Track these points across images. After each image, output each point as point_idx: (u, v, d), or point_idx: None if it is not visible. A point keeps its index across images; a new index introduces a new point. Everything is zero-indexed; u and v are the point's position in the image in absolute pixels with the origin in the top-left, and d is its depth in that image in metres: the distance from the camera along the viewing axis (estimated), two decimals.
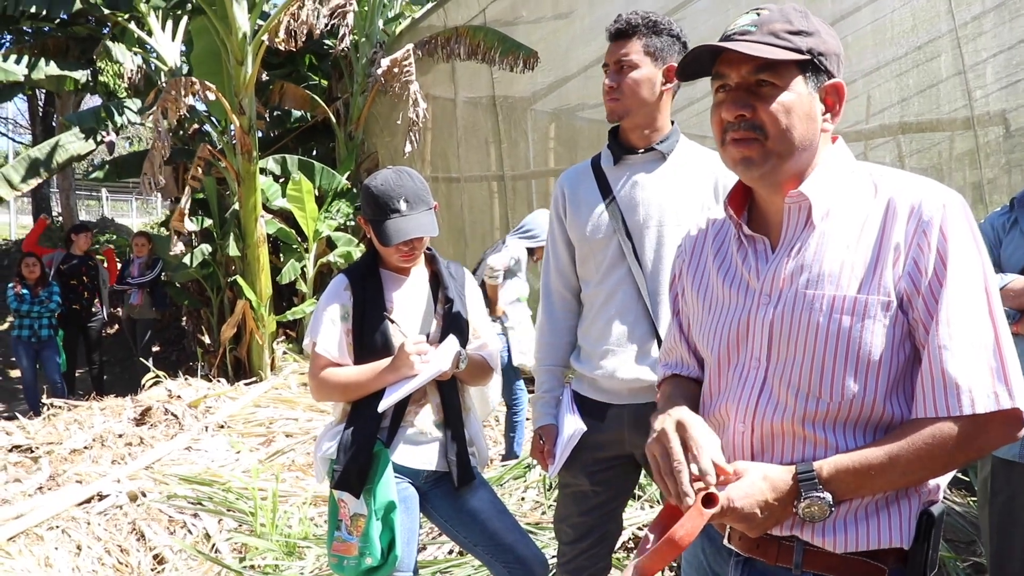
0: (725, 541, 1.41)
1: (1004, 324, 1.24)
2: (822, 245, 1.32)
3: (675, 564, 3.42)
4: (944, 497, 1.38)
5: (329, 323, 2.43)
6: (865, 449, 1.26)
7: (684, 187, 2.22)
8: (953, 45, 4.95)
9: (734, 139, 1.34)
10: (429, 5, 9.77)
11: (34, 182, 8.82)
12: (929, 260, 1.24)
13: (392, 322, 2.40)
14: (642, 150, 2.28)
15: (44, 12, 9.61)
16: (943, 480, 1.34)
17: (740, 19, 1.36)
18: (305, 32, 7.56)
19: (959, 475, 3.93)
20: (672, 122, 2.30)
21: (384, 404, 2.32)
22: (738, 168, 1.36)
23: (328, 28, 7.97)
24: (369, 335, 2.41)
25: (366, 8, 9.19)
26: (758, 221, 1.45)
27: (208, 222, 8.80)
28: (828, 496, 1.24)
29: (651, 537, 1.27)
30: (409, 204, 2.38)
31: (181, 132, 9.51)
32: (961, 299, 1.22)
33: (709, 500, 1.22)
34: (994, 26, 4.88)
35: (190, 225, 7.85)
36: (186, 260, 8.66)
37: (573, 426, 2.26)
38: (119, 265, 9.39)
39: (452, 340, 2.40)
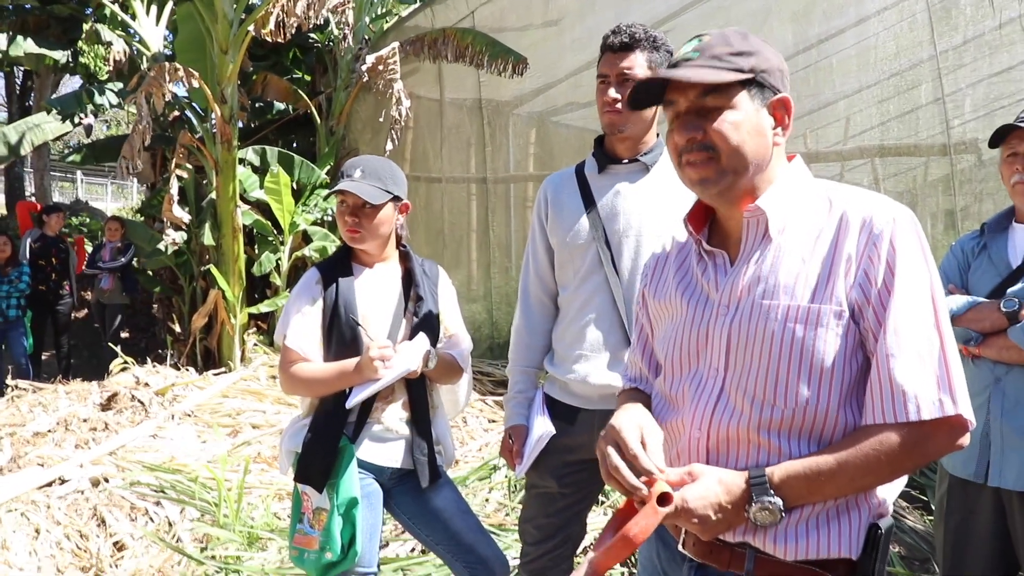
0: (680, 547, 1.43)
1: (949, 334, 1.28)
2: (778, 257, 1.36)
3: (631, 562, 3.44)
4: (901, 515, 1.42)
5: (300, 317, 2.43)
6: (816, 455, 1.29)
7: (665, 199, 2.25)
8: (933, 74, 5.04)
9: (689, 161, 1.39)
10: (416, 4, 9.77)
11: (7, 160, 8.72)
12: (879, 271, 1.28)
13: (357, 324, 2.40)
14: (626, 160, 2.30)
15: None
16: (891, 494, 1.38)
17: (685, 46, 1.42)
18: (295, 26, 7.53)
19: (917, 494, 3.98)
20: (657, 135, 2.33)
21: (351, 402, 2.32)
22: (696, 188, 1.42)
23: (317, 23, 7.94)
24: (339, 330, 2.41)
25: (352, 5, 9.17)
26: (718, 237, 1.49)
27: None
28: (779, 501, 1.27)
29: (607, 535, 1.29)
30: (363, 174, 2.41)
31: (161, 118, 9.44)
32: (908, 309, 1.26)
33: (664, 499, 1.24)
34: (973, 59, 4.97)
35: (181, 213, 7.78)
36: (159, 247, 8.58)
37: (542, 428, 2.28)
38: (88, 251, 9.31)
39: (422, 338, 2.40)
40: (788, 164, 1.44)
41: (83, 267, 9.22)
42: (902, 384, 1.24)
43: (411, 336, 2.43)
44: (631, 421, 1.39)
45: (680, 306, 1.50)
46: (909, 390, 1.24)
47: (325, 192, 2.18)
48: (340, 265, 2.49)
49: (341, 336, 2.40)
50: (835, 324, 1.30)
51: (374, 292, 2.47)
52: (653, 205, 2.26)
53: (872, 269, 1.29)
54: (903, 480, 1.38)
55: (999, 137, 2.46)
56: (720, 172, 1.37)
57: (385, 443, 2.44)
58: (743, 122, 1.36)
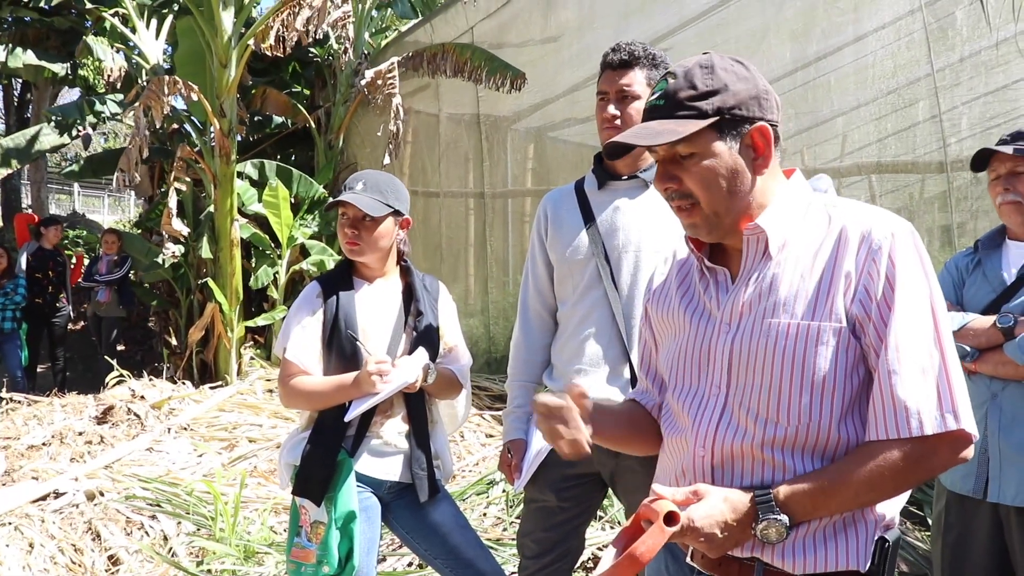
0: (688, 559, 1.43)
1: (951, 348, 1.29)
2: (778, 275, 1.36)
3: None
4: (900, 531, 1.42)
5: (300, 330, 2.43)
6: (820, 472, 1.30)
7: (664, 215, 2.26)
8: (930, 92, 5.06)
9: (674, 207, 1.43)
10: (416, 20, 9.82)
11: (4, 172, 8.74)
12: (878, 286, 1.28)
13: (355, 339, 2.40)
14: (626, 177, 2.32)
15: (26, 0, 9.57)
16: (896, 507, 1.38)
17: (656, 88, 1.43)
18: (295, 40, 7.56)
19: (914, 509, 3.98)
20: None
21: (350, 416, 2.33)
22: (687, 231, 1.45)
23: (317, 37, 7.98)
24: (339, 343, 2.42)
25: (352, 19, 9.22)
26: (719, 253, 1.50)
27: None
28: (785, 518, 1.28)
29: (613, 552, 1.29)
30: (365, 187, 2.43)
31: (160, 131, 9.46)
32: (909, 324, 1.27)
33: (670, 518, 1.24)
34: (970, 77, 5.00)
35: (179, 226, 7.79)
36: (157, 260, 8.58)
37: (541, 442, 2.28)
38: (85, 263, 9.31)
39: (421, 353, 2.40)
40: (786, 181, 1.44)
41: (79, 280, 9.21)
42: (904, 400, 1.25)
43: (411, 351, 2.44)
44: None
45: (683, 322, 1.50)
46: (911, 406, 1.24)
47: (326, 204, 2.23)
48: (341, 279, 2.49)
49: (341, 350, 2.40)
50: (834, 341, 1.30)
51: (374, 306, 2.47)
52: (652, 221, 2.27)
53: (872, 284, 1.29)
54: (906, 494, 1.38)
55: (981, 161, 2.50)
56: (704, 217, 1.39)
57: (384, 457, 2.43)
58: (716, 166, 1.36)
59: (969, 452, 1.28)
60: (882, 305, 1.28)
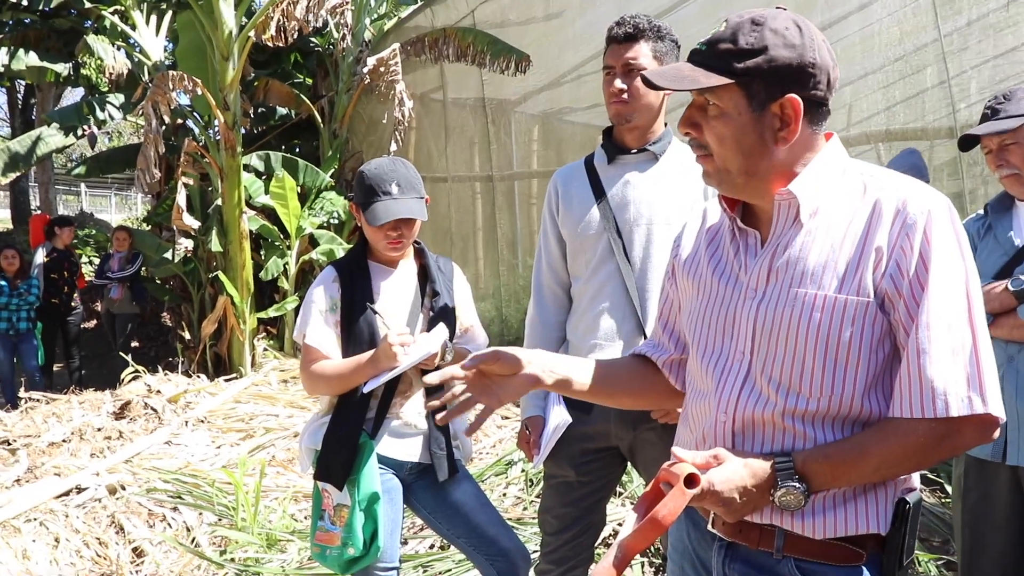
0: (709, 526, 1.44)
1: (983, 330, 1.26)
2: (808, 243, 1.34)
3: (660, 549, 3.45)
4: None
5: (318, 315, 2.43)
6: (842, 443, 1.29)
7: (674, 187, 2.26)
8: (938, 57, 5.03)
9: (695, 155, 1.41)
10: (416, 5, 9.78)
11: (12, 175, 8.77)
12: (911, 263, 1.25)
13: (375, 312, 2.41)
14: (635, 150, 2.31)
15: (25, 3, 9.57)
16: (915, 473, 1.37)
17: (711, 31, 1.38)
18: (296, 29, 7.55)
19: (932, 476, 3.98)
20: (665, 124, 2.34)
21: (369, 387, 2.32)
22: (702, 178, 1.43)
23: (317, 26, 7.97)
24: (356, 327, 2.42)
25: (351, 7, 9.20)
26: (751, 216, 1.47)
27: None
28: (803, 486, 1.27)
29: (634, 517, 1.29)
30: (401, 188, 2.39)
31: (164, 127, 9.48)
32: (941, 304, 1.24)
33: (691, 481, 1.24)
34: (978, 40, 4.96)
35: (190, 221, 7.81)
36: (167, 255, 8.61)
37: (558, 418, 2.29)
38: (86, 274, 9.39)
39: (441, 328, 2.40)
40: (825, 145, 1.40)
41: (87, 282, 9.29)
42: (932, 380, 1.22)
43: (428, 331, 2.44)
44: None
45: (710, 284, 1.49)
46: (939, 386, 1.22)
47: (381, 223, 2.16)
48: (356, 263, 2.49)
49: (359, 334, 2.40)
50: (861, 315, 1.28)
51: (391, 289, 2.48)
52: (663, 193, 2.27)
53: (904, 260, 1.26)
54: None
55: (968, 143, 2.52)
56: (716, 170, 1.37)
57: (404, 438, 2.45)
58: (732, 125, 1.33)
59: (995, 434, 1.26)
60: (914, 283, 1.25)
